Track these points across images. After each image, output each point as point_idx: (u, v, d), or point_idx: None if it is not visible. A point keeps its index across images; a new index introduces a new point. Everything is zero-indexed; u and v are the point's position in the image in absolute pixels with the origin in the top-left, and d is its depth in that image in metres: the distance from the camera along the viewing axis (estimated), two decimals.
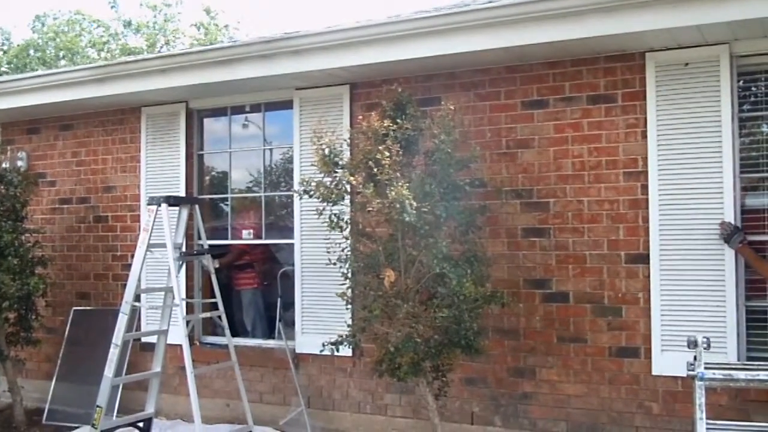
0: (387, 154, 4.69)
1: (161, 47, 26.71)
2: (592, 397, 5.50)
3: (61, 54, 26.30)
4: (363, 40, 5.59)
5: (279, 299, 6.71)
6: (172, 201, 6.07)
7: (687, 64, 5.23)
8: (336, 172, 5.08)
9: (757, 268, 4.99)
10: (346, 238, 5.29)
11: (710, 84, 5.16)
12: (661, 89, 5.29)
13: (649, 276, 5.30)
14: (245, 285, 8.11)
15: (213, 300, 6.18)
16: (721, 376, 4.01)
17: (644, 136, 5.32)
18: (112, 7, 27.98)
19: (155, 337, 6.22)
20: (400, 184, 4.62)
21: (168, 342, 6.18)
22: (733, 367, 4.24)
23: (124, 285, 6.11)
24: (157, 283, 6.60)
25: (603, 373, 5.47)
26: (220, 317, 6.17)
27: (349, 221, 5.27)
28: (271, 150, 7.20)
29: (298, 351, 6.49)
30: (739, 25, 4.79)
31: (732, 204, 5.09)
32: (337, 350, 5.17)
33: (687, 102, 5.22)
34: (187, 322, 5.76)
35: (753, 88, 5.34)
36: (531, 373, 5.68)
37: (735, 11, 4.61)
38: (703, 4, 4.65)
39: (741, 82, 5.30)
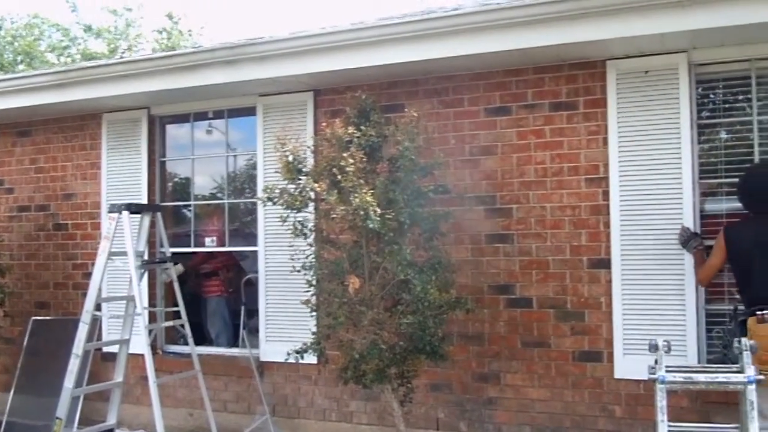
0: (351, 160, 4.68)
1: (123, 52, 26.41)
2: (555, 401, 5.54)
3: (19, 58, 25.87)
4: (328, 47, 5.58)
5: (243, 307, 6.67)
6: (134, 208, 6.01)
7: (647, 72, 5.30)
8: (300, 179, 5.05)
9: (695, 270, 5.06)
10: (311, 245, 5.27)
11: (669, 91, 5.24)
12: (622, 96, 5.36)
13: (610, 281, 5.36)
14: (209, 293, 8.05)
15: (176, 308, 6.12)
16: (681, 379, 4.05)
17: (605, 142, 5.39)
18: (72, 10, 27.60)
19: (117, 346, 6.14)
20: (364, 190, 4.61)
21: (130, 351, 6.12)
22: (693, 369, 4.29)
23: (85, 294, 6.03)
24: (119, 292, 6.52)
25: (566, 377, 5.51)
26: (182, 326, 6.11)
27: (313, 228, 5.25)
28: (235, 157, 7.15)
29: (262, 359, 6.45)
30: (698, 34, 4.87)
31: (691, 209, 5.18)
32: (302, 358, 5.14)
33: (647, 109, 5.29)
34: (150, 331, 5.69)
35: (711, 96, 5.44)
36: (496, 378, 5.71)
37: (695, 20, 4.68)
38: (664, 13, 4.72)
39: (700, 90, 5.39)
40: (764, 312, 4.25)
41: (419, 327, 4.82)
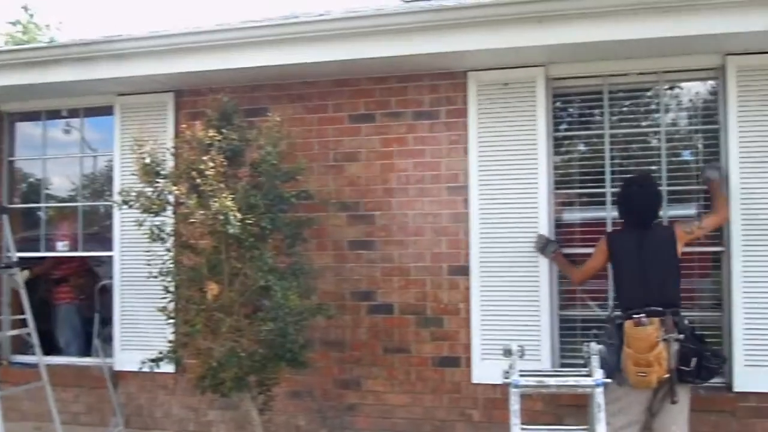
0: (211, 164, 4.58)
1: None
2: (415, 406, 5.60)
3: None
4: (188, 47, 5.45)
5: (97, 314, 6.40)
6: None
7: (506, 84, 5.45)
8: (158, 182, 4.90)
9: (565, 273, 5.26)
10: (169, 251, 5.11)
11: (527, 104, 5.41)
12: (482, 107, 5.49)
13: (469, 287, 5.47)
14: (60, 300, 7.69)
15: (22, 317, 5.80)
16: (534, 383, 4.17)
17: (466, 152, 5.50)
18: None
19: None
20: (224, 195, 4.52)
21: None
22: (546, 373, 4.43)
23: None
24: None
25: (426, 382, 5.58)
26: (29, 334, 5.80)
27: (171, 233, 5.10)
28: (94, 158, 6.85)
29: (117, 368, 6.21)
30: (554, 49, 5.04)
31: (546, 218, 5.35)
32: (158, 366, 4.97)
33: (506, 120, 5.44)
34: None
35: (569, 109, 5.64)
36: (357, 385, 5.71)
37: (551, 36, 4.85)
38: (520, 27, 4.87)
39: (558, 103, 5.59)
40: (641, 316, 4.42)
41: (279, 334, 4.76)
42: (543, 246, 5.27)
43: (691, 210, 5.29)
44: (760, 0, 4.49)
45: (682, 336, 4.37)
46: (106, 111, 6.41)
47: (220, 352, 4.74)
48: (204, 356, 4.88)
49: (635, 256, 4.62)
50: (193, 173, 4.67)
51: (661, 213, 4.86)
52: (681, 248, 4.64)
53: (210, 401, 5.89)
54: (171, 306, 5.12)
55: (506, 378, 4.19)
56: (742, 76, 5.07)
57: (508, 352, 4.31)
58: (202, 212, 4.58)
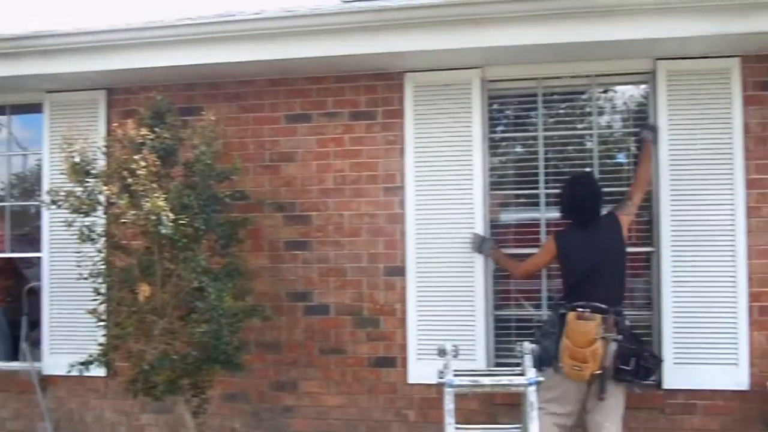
0: (143, 163, 4.51)
1: None
2: (351, 407, 5.59)
3: None
4: (119, 44, 5.33)
5: (24, 317, 6.22)
6: None
7: (443, 86, 5.47)
8: (88, 182, 4.79)
9: (506, 268, 5.31)
10: (100, 252, 5.01)
11: (463, 105, 5.44)
12: (419, 108, 5.50)
13: (405, 288, 5.48)
14: None
15: None
16: (468, 383, 4.20)
17: (402, 152, 5.51)
18: None
19: None
20: (156, 195, 4.46)
21: None
22: (480, 373, 4.47)
23: None
24: None
25: (362, 383, 5.57)
26: None
27: (102, 233, 4.99)
28: (23, 156, 6.66)
29: (45, 372, 6.04)
30: (490, 51, 5.09)
31: (482, 219, 5.39)
32: (88, 370, 4.87)
33: (442, 121, 5.46)
34: None
35: (504, 111, 5.69)
36: (293, 386, 5.67)
37: (486, 38, 4.89)
38: (457, 29, 4.90)
39: (495, 105, 5.64)
40: (585, 310, 4.49)
41: (213, 336, 4.70)
42: (479, 244, 5.31)
43: None
44: (689, 6, 4.60)
45: (620, 337, 4.47)
46: (35, 108, 6.23)
47: (152, 354, 4.66)
48: (136, 359, 4.80)
49: (585, 254, 4.70)
50: (125, 173, 4.59)
51: (602, 208, 4.94)
52: (626, 232, 4.80)
53: (143, 405, 5.79)
54: (102, 308, 5.03)
55: (441, 378, 4.21)
56: (672, 80, 5.19)
57: (442, 352, 4.34)
58: (133, 212, 4.51)
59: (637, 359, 4.48)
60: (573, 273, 4.78)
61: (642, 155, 5.10)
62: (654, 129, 5.18)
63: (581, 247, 4.74)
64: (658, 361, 4.71)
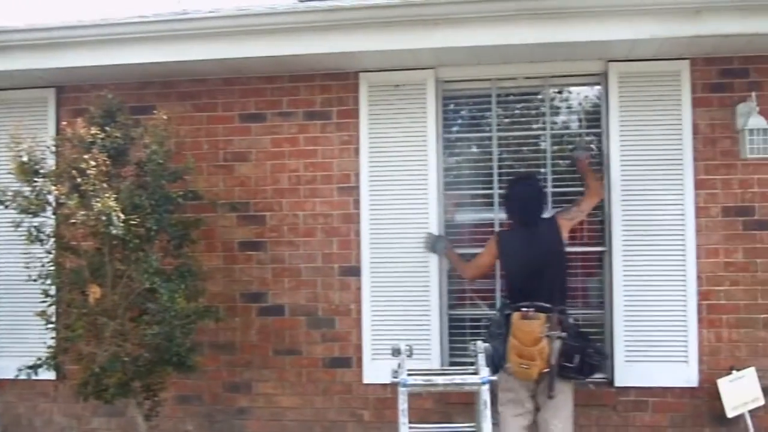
0: (93, 163, 4.45)
1: None
2: (306, 408, 5.56)
3: None
4: (69, 42, 5.24)
5: None
6: None
7: (397, 86, 5.49)
8: (36, 182, 4.71)
9: (457, 269, 5.34)
10: (49, 252, 4.92)
11: (418, 106, 5.46)
12: (374, 108, 5.51)
13: (360, 288, 5.48)
14: None
15: None
16: (421, 382, 4.19)
17: (357, 152, 5.51)
18: None
19: None
20: (106, 195, 4.40)
21: None
22: (434, 372, 4.48)
23: None
24: None
25: (317, 383, 5.56)
26: None
27: (51, 234, 4.90)
28: None
29: None
30: (443, 52, 5.11)
31: (436, 218, 5.41)
32: (35, 374, 4.78)
33: (397, 122, 5.48)
34: None
35: (459, 111, 5.71)
36: (247, 388, 5.64)
37: (440, 39, 4.90)
38: (410, 30, 4.91)
39: (452, 106, 5.66)
40: (528, 309, 4.52)
41: (166, 337, 4.65)
42: (433, 244, 5.33)
43: None
44: (639, 9, 4.67)
45: (564, 334, 4.51)
46: None
47: (103, 356, 4.61)
48: (86, 361, 4.74)
49: (524, 253, 4.75)
50: (74, 172, 4.53)
51: (545, 210, 4.98)
52: (566, 236, 4.83)
53: (94, 408, 5.70)
54: (51, 310, 4.94)
55: (395, 377, 4.20)
56: (624, 81, 5.26)
57: (396, 352, 4.33)
58: (83, 213, 4.45)
59: (581, 356, 4.54)
60: (511, 272, 4.86)
61: (581, 171, 5.16)
62: (587, 147, 5.25)
63: (520, 247, 4.80)
64: (602, 357, 4.76)
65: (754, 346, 5.14)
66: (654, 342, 5.17)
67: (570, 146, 5.47)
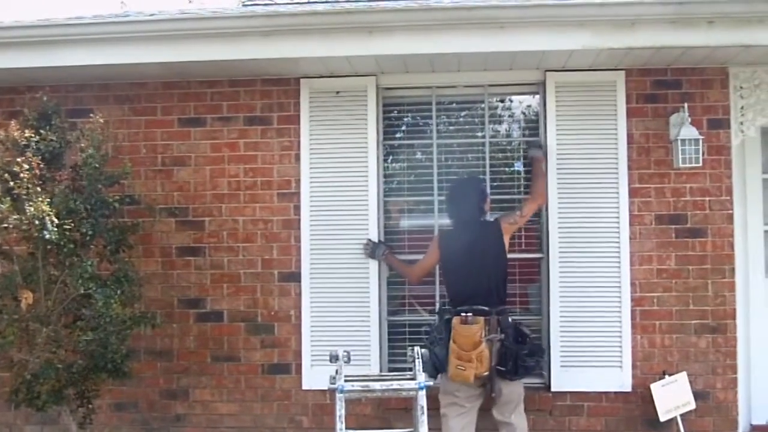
0: (26, 166, 4.37)
1: None
2: (245, 414, 5.53)
3: None
4: (4, 42, 5.10)
5: None
6: None
7: (338, 93, 5.50)
8: None
9: (400, 272, 5.38)
10: None
11: (359, 112, 5.48)
12: (315, 114, 5.51)
13: (300, 293, 5.47)
14: None
15: None
16: (359, 388, 4.21)
17: (298, 158, 5.50)
18: None
19: None
20: (40, 199, 4.33)
21: None
22: (371, 378, 4.49)
23: None
24: None
25: (256, 390, 5.53)
26: None
27: None
28: None
29: None
30: (384, 59, 5.14)
31: (376, 224, 5.44)
32: None
33: (338, 128, 5.49)
34: None
35: (400, 119, 5.75)
36: (184, 394, 5.58)
37: (379, 46, 4.92)
38: (351, 37, 4.92)
39: (394, 113, 5.70)
40: (468, 314, 4.55)
41: (101, 344, 4.58)
42: (372, 250, 5.36)
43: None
44: (574, 21, 4.75)
45: (503, 336, 4.55)
46: None
47: (35, 363, 4.53)
48: (18, 368, 4.65)
49: (464, 254, 4.77)
50: (7, 175, 4.46)
51: (486, 210, 5.02)
52: (507, 239, 4.87)
53: (26, 416, 5.58)
54: None
55: (332, 383, 4.22)
56: (561, 91, 5.36)
57: (334, 358, 4.34)
58: (16, 217, 4.38)
59: (515, 359, 4.59)
60: (451, 271, 4.89)
61: (534, 172, 5.23)
62: (541, 146, 5.33)
63: (460, 247, 4.82)
64: (539, 357, 4.81)
65: (685, 351, 5.27)
66: (589, 347, 5.27)
67: (510, 156, 5.57)
